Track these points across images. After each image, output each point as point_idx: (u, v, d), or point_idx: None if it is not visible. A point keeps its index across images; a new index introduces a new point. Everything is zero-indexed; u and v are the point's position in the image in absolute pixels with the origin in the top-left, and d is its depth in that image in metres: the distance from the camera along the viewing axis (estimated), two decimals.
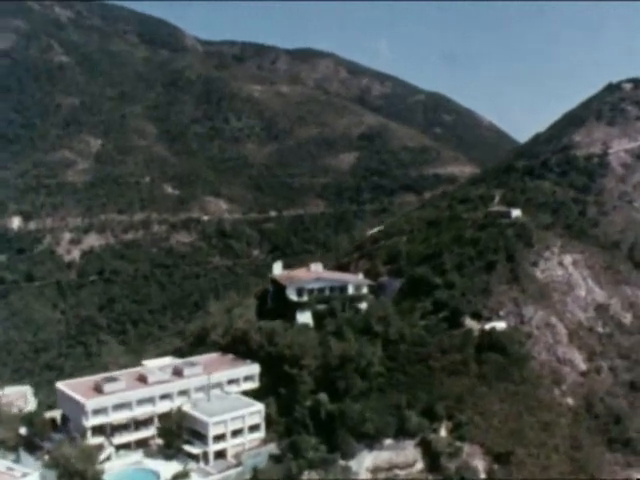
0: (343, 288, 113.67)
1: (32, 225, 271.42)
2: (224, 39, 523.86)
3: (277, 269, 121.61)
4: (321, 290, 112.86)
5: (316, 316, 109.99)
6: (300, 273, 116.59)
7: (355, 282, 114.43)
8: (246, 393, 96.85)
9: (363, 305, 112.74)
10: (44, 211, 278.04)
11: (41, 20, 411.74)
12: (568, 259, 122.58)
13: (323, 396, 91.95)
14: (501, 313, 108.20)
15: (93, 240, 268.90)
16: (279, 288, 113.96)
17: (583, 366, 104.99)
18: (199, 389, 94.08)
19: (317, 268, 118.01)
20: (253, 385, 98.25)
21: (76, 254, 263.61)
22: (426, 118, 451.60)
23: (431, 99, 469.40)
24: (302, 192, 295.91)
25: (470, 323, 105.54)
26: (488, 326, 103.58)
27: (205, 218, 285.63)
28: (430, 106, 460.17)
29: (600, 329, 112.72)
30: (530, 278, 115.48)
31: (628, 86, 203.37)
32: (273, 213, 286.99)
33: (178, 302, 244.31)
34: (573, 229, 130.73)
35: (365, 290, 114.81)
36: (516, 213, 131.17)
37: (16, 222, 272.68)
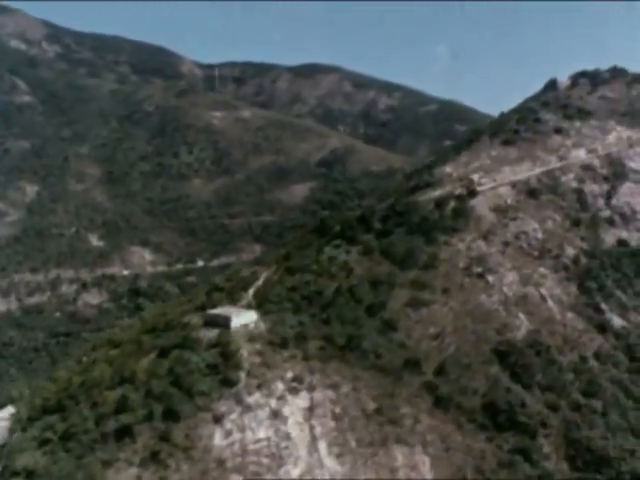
0: None
1: None
2: (225, 61, 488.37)
3: None
4: None
5: None
6: None
7: None
8: None
9: None
10: None
11: (12, 59, 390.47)
12: (297, 404, 72.35)
13: None
14: None
15: None
16: None
17: None
18: None
19: None
20: None
21: None
22: (437, 130, 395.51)
23: (444, 109, 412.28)
24: (239, 236, 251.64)
25: None
26: None
27: (125, 273, 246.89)
28: (442, 117, 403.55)
29: None
30: (191, 452, 65.94)
31: (564, 83, 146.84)
32: (201, 263, 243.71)
33: None
34: (339, 341, 79.42)
35: None
36: (246, 319, 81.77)
37: None
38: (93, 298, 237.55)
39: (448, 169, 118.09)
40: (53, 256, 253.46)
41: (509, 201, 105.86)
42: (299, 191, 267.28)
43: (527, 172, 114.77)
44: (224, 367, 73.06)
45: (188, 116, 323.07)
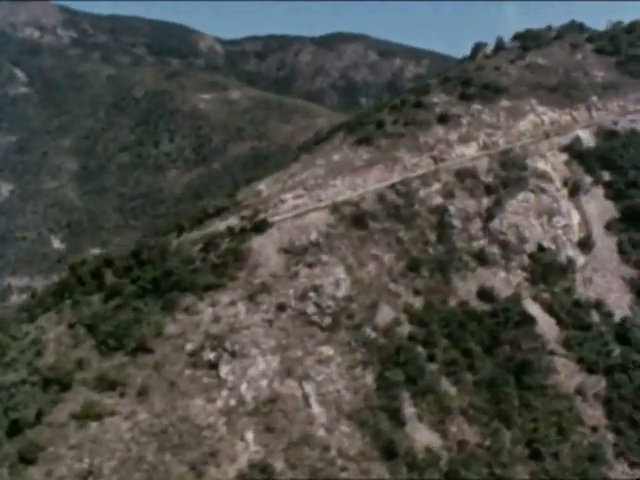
0: None
1: None
2: (247, 35, 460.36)
3: None
4: None
5: None
6: None
7: None
8: None
9: None
10: None
11: (18, 49, 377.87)
12: None
13: None
14: None
15: None
16: None
17: None
18: None
19: None
20: None
21: None
22: None
23: None
24: None
25: None
26: None
27: None
28: None
29: None
30: None
31: (483, 52, 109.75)
32: None
33: None
34: None
35: None
36: None
37: None
38: None
39: (262, 186, 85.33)
40: (10, 263, 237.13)
41: (314, 236, 72.30)
42: None
43: (371, 185, 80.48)
44: None
45: (175, 100, 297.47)
